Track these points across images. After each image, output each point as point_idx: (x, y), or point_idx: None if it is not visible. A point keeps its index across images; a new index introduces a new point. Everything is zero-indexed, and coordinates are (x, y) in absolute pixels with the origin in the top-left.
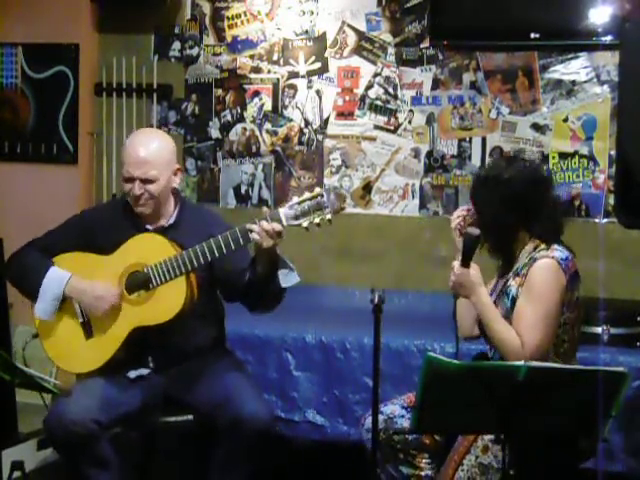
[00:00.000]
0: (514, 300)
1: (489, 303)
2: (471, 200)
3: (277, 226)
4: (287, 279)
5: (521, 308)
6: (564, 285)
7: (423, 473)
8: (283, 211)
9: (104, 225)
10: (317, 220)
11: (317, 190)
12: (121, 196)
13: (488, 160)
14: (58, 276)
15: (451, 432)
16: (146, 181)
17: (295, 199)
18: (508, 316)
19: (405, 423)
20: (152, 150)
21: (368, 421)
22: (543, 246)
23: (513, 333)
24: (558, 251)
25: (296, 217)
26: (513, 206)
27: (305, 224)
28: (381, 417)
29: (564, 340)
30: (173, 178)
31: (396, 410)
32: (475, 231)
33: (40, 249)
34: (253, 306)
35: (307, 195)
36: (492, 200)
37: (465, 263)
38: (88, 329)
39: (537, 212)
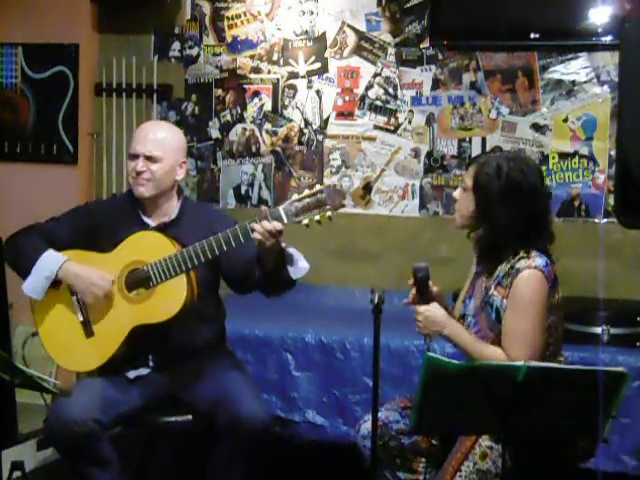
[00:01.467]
0: (498, 311)
1: (463, 333)
2: (476, 191)
3: (278, 225)
4: (297, 271)
5: (509, 323)
6: (547, 292)
7: (421, 477)
8: (283, 209)
9: (106, 219)
10: (317, 217)
11: (317, 187)
12: (124, 192)
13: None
14: (54, 257)
15: (451, 432)
16: (150, 159)
17: (295, 196)
18: (493, 327)
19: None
20: (161, 134)
21: (363, 427)
22: (522, 253)
23: (499, 352)
24: (538, 257)
25: (296, 214)
26: (529, 222)
27: (305, 221)
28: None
29: (549, 343)
30: (178, 170)
31: (391, 415)
32: (422, 264)
33: (40, 233)
34: (267, 294)
35: (307, 192)
36: (512, 210)
37: (424, 299)
38: (88, 328)
39: (545, 227)
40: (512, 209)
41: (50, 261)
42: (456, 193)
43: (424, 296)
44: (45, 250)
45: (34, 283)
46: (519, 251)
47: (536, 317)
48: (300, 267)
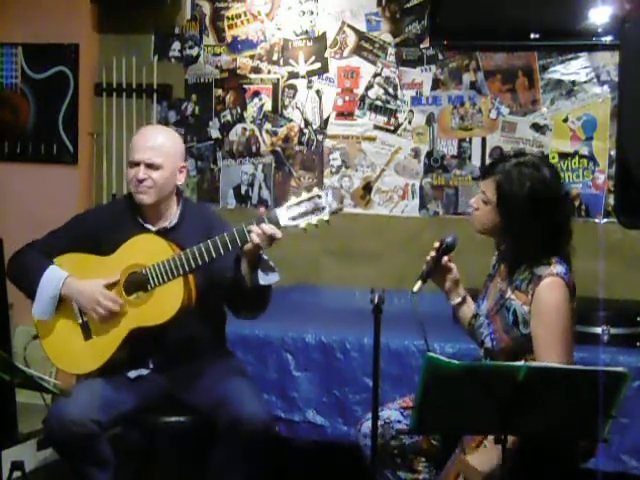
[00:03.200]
0: (516, 314)
1: None
2: (501, 207)
3: (279, 233)
4: (266, 278)
5: (539, 332)
6: (570, 298)
7: (421, 477)
8: (280, 212)
9: (106, 226)
10: (314, 221)
11: (315, 191)
12: (123, 196)
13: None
14: (56, 276)
15: (451, 432)
16: (151, 166)
17: (293, 200)
18: (509, 330)
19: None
20: (160, 140)
21: (365, 426)
22: (542, 259)
23: None
24: (558, 265)
25: (294, 218)
26: (554, 229)
27: (302, 225)
28: (378, 423)
29: None
30: (178, 175)
31: (392, 415)
32: (451, 236)
33: (41, 249)
34: (237, 309)
35: (305, 196)
36: (538, 222)
37: (436, 270)
38: (87, 330)
39: (568, 230)
40: (538, 221)
41: (52, 280)
42: (475, 202)
43: (437, 259)
44: (47, 267)
45: (41, 306)
46: (539, 257)
47: (564, 322)
48: (270, 276)
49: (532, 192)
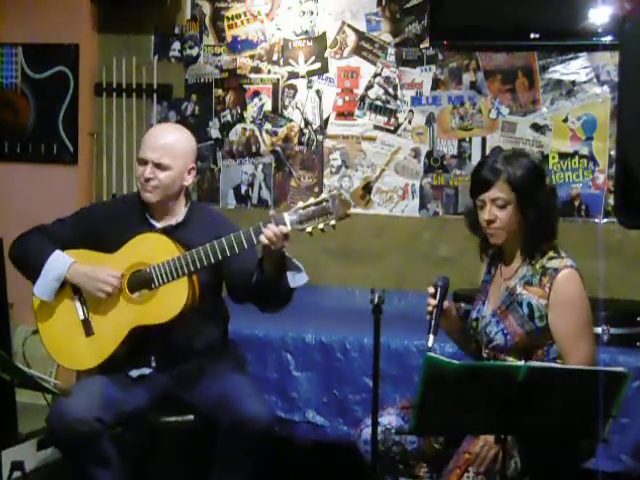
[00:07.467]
0: (531, 308)
1: None
2: (521, 193)
3: (285, 228)
4: (296, 279)
5: (561, 325)
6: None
7: None
8: (287, 216)
9: (113, 221)
10: (321, 226)
11: (322, 196)
12: (132, 193)
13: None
14: (62, 259)
15: (451, 433)
16: (159, 166)
17: (300, 204)
18: (524, 324)
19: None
20: (171, 139)
21: (365, 432)
22: (552, 253)
23: None
24: (569, 258)
25: (300, 222)
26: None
27: (309, 229)
28: (378, 429)
29: None
30: (186, 176)
31: (393, 421)
32: (443, 280)
33: (47, 235)
34: (263, 306)
35: (312, 200)
36: (546, 192)
37: (440, 309)
38: (88, 327)
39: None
40: (553, 199)
41: (58, 263)
42: (488, 214)
43: (439, 307)
44: (53, 251)
45: (43, 285)
46: (547, 251)
47: (585, 314)
48: (299, 277)
49: (537, 170)
